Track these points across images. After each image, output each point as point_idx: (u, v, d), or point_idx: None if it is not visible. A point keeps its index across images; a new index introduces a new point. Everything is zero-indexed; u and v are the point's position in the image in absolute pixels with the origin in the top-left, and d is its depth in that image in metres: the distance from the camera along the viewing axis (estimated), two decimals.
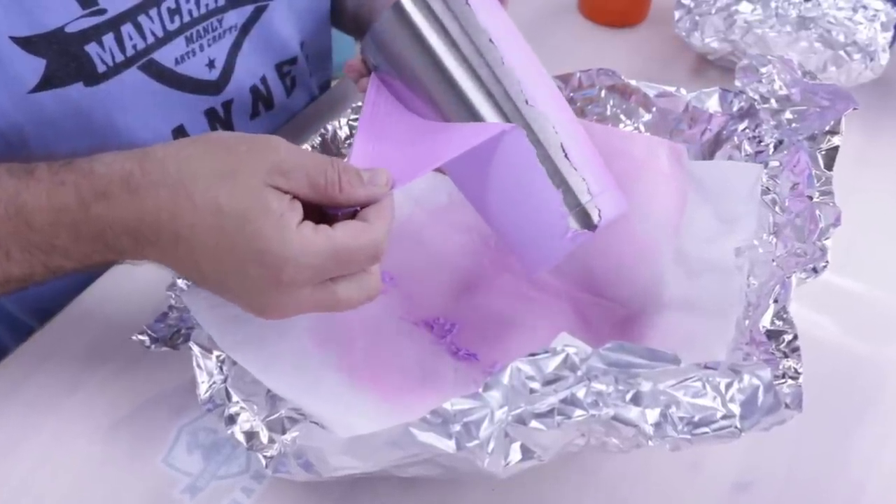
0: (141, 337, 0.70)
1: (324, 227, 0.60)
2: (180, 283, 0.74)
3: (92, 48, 0.76)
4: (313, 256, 0.59)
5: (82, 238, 0.63)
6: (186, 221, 0.60)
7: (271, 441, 0.65)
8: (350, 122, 0.90)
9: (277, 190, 0.59)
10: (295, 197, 0.60)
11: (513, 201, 0.69)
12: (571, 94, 0.90)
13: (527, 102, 0.68)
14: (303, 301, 0.61)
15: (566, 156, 0.68)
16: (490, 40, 0.69)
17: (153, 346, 0.70)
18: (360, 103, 0.85)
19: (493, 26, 0.69)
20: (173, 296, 0.73)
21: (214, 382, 0.67)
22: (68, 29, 0.75)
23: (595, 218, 0.69)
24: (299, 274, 0.59)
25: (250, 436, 0.65)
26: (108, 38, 0.77)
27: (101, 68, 0.78)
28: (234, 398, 0.66)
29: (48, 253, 0.65)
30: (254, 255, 0.59)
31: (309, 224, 0.60)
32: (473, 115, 0.68)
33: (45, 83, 0.76)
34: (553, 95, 0.73)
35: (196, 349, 0.68)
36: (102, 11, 0.76)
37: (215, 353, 0.68)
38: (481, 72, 0.68)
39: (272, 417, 0.66)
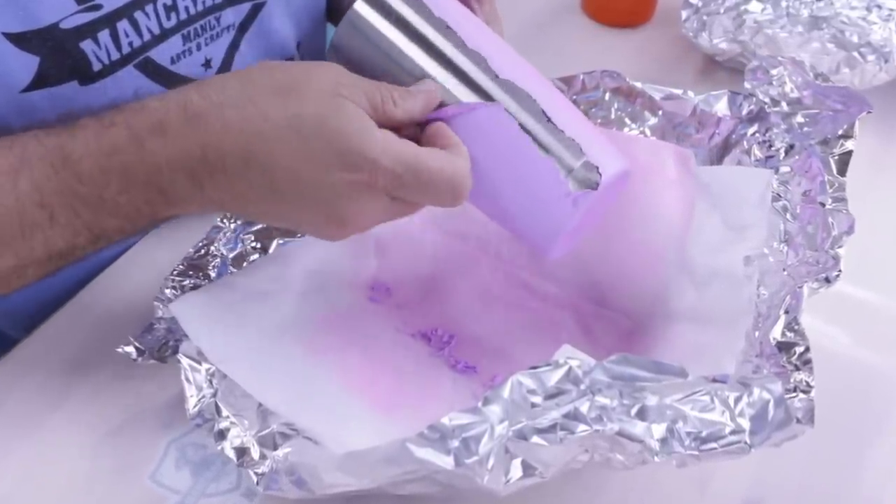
0: (127, 349, 0.70)
1: (409, 141, 0.63)
2: (168, 292, 0.75)
3: (87, 45, 0.76)
4: (394, 161, 0.61)
5: (134, 183, 0.64)
6: (260, 135, 0.61)
7: (263, 457, 0.65)
8: None
9: (345, 98, 0.61)
10: None
11: (508, 180, 0.70)
12: (574, 97, 0.90)
13: (497, 76, 0.69)
14: (380, 210, 0.63)
15: (550, 120, 0.69)
16: (447, 27, 0.70)
17: (140, 359, 0.70)
18: None
19: (448, 15, 0.71)
20: (161, 306, 0.74)
21: (204, 396, 0.67)
22: (63, 25, 0.74)
23: (595, 176, 0.68)
24: (379, 176, 0.61)
25: (241, 451, 0.65)
26: (104, 35, 0.77)
27: (96, 66, 0.78)
28: (224, 413, 0.66)
29: (95, 210, 0.65)
30: (336, 156, 0.60)
31: (389, 131, 0.62)
32: (448, 100, 0.69)
33: (39, 82, 0.75)
34: (526, 69, 0.73)
35: (185, 362, 0.68)
36: (98, 7, 0.76)
37: (204, 365, 0.68)
38: (446, 56, 0.69)
39: (263, 433, 0.66)
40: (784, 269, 0.72)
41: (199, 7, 0.83)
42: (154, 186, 0.63)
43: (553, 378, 0.55)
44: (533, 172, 0.69)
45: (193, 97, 0.63)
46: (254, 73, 0.65)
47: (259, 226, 0.81)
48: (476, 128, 0.69)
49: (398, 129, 0.65)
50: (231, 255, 0.80)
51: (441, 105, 0.69)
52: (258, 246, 0.81)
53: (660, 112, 0.88)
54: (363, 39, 0.70)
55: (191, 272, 0.78)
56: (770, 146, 0.80)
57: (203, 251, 0.79)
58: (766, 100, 0.82)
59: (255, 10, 0.90)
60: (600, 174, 0.69)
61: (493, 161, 0.69)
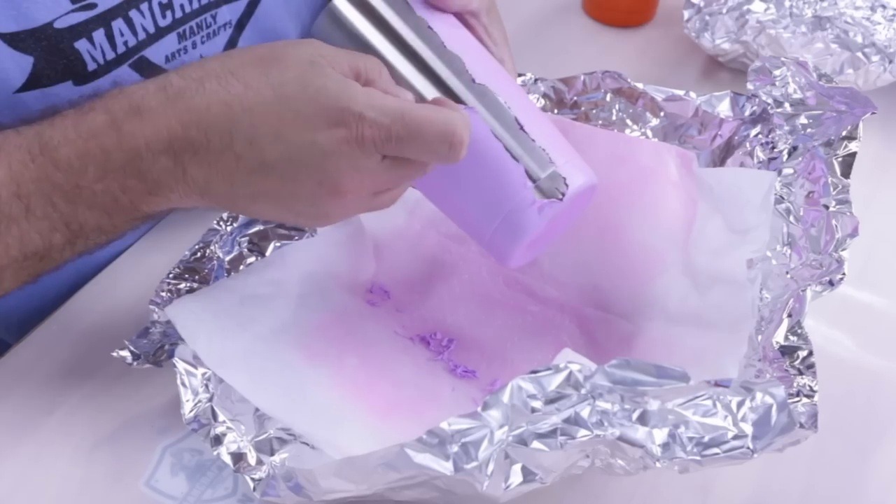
0: (122, 353, 0.70)
1: (392, 97, 0.63)
2: (164, 296, 0.75)
3: (82, 45, 0.76)
4: (380, 112, 0.61)
5: (111, 169, 0.63)
6: (243, 105, 0.61)
7: (259, 462, 0.65)
8: None
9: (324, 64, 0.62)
10: None
11: (474, 184, 0.70)
12: (575, 98, 0.90)
13: (473, 81, 0.70)
14: (374, 171, 0.63)
15: (522, 128, 0.69)
16: (429, 27, 0.71)
17: (135, 363, 0.70)
18: None
19: (429, 16, 0.72)
20: (156, 310, 0.74)
21: (200, 401, 0.67)
22: (57, 24, 0.74)
23: (562, 186, 0.69)
24: (366, 129, 0.61)
25: (237, 457, 0.65)
26: (99, 35, 0.77)
27: (91, 66, 0.78)
28: (221, 417, 0.67)
29: (72, 201, 0.64)
30: (322, 112, 0.60)
31: (374, 89, 0.63)
32: (421, 99, 0.69)
33: (33, 82, 0.75)
34: (502, 76, 0.74)
35: (180, 366, 0.68)
36: (93, 6, 0.76)
37: (200, 370, 0.68)
38: (423, 56, 0.70)
39: (260, 438, 0.66)
40: (787, 273, 0.72)
41: (195, 5, 0.83)
42: (132, 171, 0.63)
43: (553, 382, 0.55)
44: (501, 178, 0.69)
45: (173, 79, 0.63)
46: (234, 51, 0.65)
47: (255, 228, 0.81)
48: None
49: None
50: (227, 258, 0.80)
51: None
52: (255, 249, 0.81)
53: (662, 113, 0.88)
54: (340, 35, 0.71)
55: (187, 275, 0.78)
56: (773, 148, 0.80)
57: (199, 254, 0.79)
58: (769, 101, 0.82)
59: (252, 6, 0.90)
60: (567, 185, 0.69)
61: (462, 164, 0.69)
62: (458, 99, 0.69)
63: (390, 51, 0.70)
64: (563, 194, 0.69)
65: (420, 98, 0.69)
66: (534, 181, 0.69)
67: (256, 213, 0.72)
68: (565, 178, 0.69)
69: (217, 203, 0.67)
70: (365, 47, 0.70)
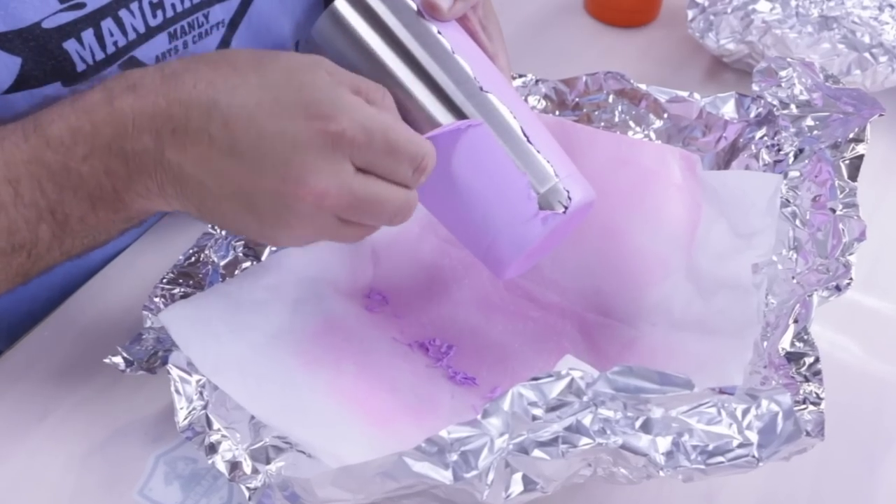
0: (115, 360, 0.70)
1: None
2: (157, 301, 0.75)
3: (71, 45, 0.76)
4: (367, 118, 0.62)
5: (98, 146, 0.64)
6: (227, 85, 0.62)
7: (255, 471, 0.65)
8: None
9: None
10: None
11: (476, 193, 0.70)
12: (577, 99, 0.90)
13: (481, 89, 0.70)
14: (342, 178, 0.63)
15: (528, 140, 0.70)
16: (438, 32, 0.71)
17: (128, 370, 0.70)
18: None
19: (438, 22, 0.72)
20: (150, 316, 0.74)
21: (194, 408, 0.67)
22: (46, 24, 0.75)
23: (564, 199, 0.70)
24: (349, 129, 0.61)
25: (233, 466, 0.65)
26: (88, 35, 0.77)
27: (80, 67, 0.78)
28: (216, 425, 0.67)
29: (59, 185, 0.65)
30: (302, 104, 0.61)
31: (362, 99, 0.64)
32: (433, 99, 0.70)
33: (20, 83, 0.76)
34: (507, 84, 0.74)
35: (174, 373, 0.68)
36: (81, 5, 0.76)
37: (195, 376, 0.68)
38: (431, 63, 0.70)
39: (256, 446, 0.66)
40: (793, 277, 0.72)
41: (187, 4, 0.83)
42: (117, 150, 0.64)
43: (555, 390, 0.55)
44: (504, 189, 0.70)
45: (174, 63, 0.65)
46: (236, 48, 0.67)
47: None
48: (453, 139, 0.69)
49: None
50: (222, 263, 0.80)
51: (414, 110, 0.70)
52: (250, 253, 0.81)
53: (665, 115, 0.88)
54: (340, 38, 0.71)
55: (181, 280, 0.78)
56: (779, 150, 0.80)
57: (194, 258, 0.79)
58: (775, 102, 0.82)
59: (245, 5, 0.90)
60: (570, 199, 0.70)
61: (464, 172, 0.69)
62: (457, 108, 0.69)
63: (391, 56, 0.70)
64: (567, 207, 0.69)
65: (420, 107, 0.69)
66: (538, 191, 0.69)
67: (221, 215, 0.70)
68: (569, 192, 0.70)
69: (188, 200, 0.67)
70: (365, 51, 0.70)
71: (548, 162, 0.70)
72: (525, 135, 0.70)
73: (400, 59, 0.70)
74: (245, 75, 0.63)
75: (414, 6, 0.71)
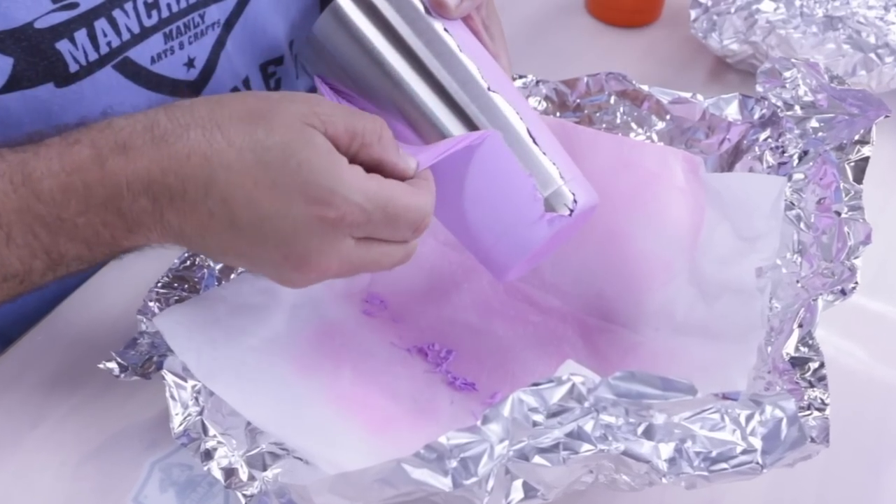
0: (109, 365, 0.70)
1: (376, 175, 0.63)
2: (152, 306, 0.75)
3: (63, 45, 0.76)
4: (365, 198, 0.61)
5: (94, 204, 0.63)
6: (222, 162, 0.61)
7: (251, 478, 0.65)
8: None
9: (316, 130, 0.61)
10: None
11: (481, 195, 0.70)
12: (578, 101, 0.90)
13: (489, 89, 0.70)
14: (343, 254, 0.63)
15: (535, 141, 0.70)
16: (445, 29, 0.71)
17: (123, 375, 0.70)
18: None
19: (444, 20, 0.72)
20: (144, 320, 0.74)
21: (189, 414, 0.67)
22: (38, 24, 0.75)
23: (570, 202, 0.70)
24: (348, 213, 0.61)
25: (228, 472, 0.65)
26: (81, 35, 0.77)
27: (73, 67, 0.78)
28: (211, 431, 0.67)
29: (54, 232, 0.64)
30: (300, 188, 0.60)
31: (359, 167, 0.62)
32: (438, 101, 0.70)
33: (12, 84, 0.76)
34: (512, 85, 0.75)
35: (169, 378, 0.68)
36: (74, 5, 0.76)
37: (190, 382, 0.68)
38: (437, 62, 0.70)
39: (252, 452, 0.66)
40: (798, 281, 0.72)
41: (183, 4, 0.84)
42: (113, 208, 0.63)
43: (556, 395, 0.55)
44: (510, 190, 0.70)
45: (161, 119, 0.63)
46: (226, 97, 0.65)
47: None
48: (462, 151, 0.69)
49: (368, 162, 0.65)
50: (218, 267, 0.80)
51: (419, 113, 0.70)
52: None
53: (668, 116, 0.88)
54: (341, 37, 0.71)
55: (176, 284, 0.78)
56: (783, 152, 0.80)
57: (189, 262, 0.79)
58: (779, 103, 0.82)
59: (241, 5, 0.91)
60: (576, 201, 0.70)
61: (470, 175, 0.69)
62: (463, 110, 0.70)
63: (395, 55, 0.70)
64: (572, 210, 0.70)
65: (424, 110, 0.69)
66: (545, 193, 0.69)
67: (228, 263, 0.76)
68: (574, 194, 0.70)
69: (191, 249, 0.69)
70: (368, 50, 0.70)
71: (553, 164, 0.70)
72: (531, 136, 0.70)
73: (404, 58, 0.70)
74: (240, 151, 0.61)
75: (419, 4, 0.71)
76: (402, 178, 0.65)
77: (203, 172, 0.61)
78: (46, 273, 0.67)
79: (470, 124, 0.69)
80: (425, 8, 0.71)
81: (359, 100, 0.72)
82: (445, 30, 0.71)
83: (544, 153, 0.70)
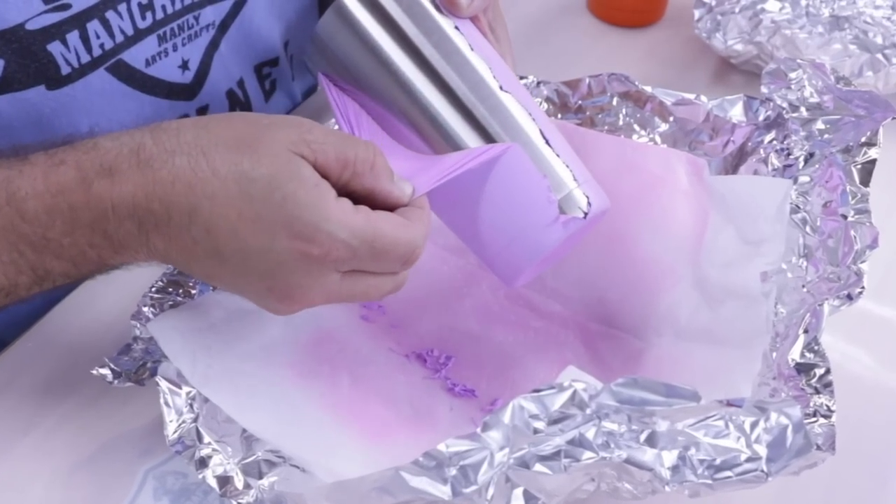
0: (103, 371, 0.70)
1: (364, 208, 0.62)
2: (146, 311, 0.75)
3: (55, 47, 0.77)
4: (350, 235, 0.60)
5: (79, 226, 0.63)
6: (206, 191, 0.60)
7: (247, 486, 0.65)
8: None
9: (305, 160, 0.61)
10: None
11: (493, 197, 0.70)
12: (580, 102, 0.90)
13: (501, 88, 0.70)
14: (329, 288, 0.62)
15: (548, 143, 0.70)
16: (456, 27, 0.71)
17: (116, 382, 0.70)
18: None
19: (454, 19, 0.71)
20: (138, 325, 0.74)
21: (184, 421, 0.67)
22: (29, 26, 0.75)
23: (584, 204, 0.70)
24: (333, 250, 0.60)
25: (224, 480, 0.65)
26: (73, 37, 0.77)
27: (65, 70, 0.78)
28: (206, 439, 0.67)
29: (39, 251, 0.65)
30: (284, 223, 0.60)
31: (347, 200, 0.61)
32: (447, 105, 0.70)
33: (3, 86, 0.76)
34: (522, 86, 0.74)
35: (163, 384, 0.68)
36: (67, 7, 0.76)
37: (185, 388, 0.68)
38: (446, 63, 0.70)
39: (248, 460, 0.66)
40: (803, 286, 0.72)
41: (178, 5, 0.84)
42: (99, 230, 0.63)
43: (557, 402, 0.55)
44: (523, 192, 0.70)
45: (147, 142, 0.62)
46: (213, 121, 0.64)
47: None
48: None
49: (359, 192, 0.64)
50: None
51: (427, 119, 0.69)
52: None
53: (671, 118, 0.88)
54: (345, 36, 0.70)
55: (170, 289, 0.78)
56: (788, 154, 0.80)
57: None
58: (785, 105, 0.82)
59: (237, 7, 0.91)
60: (590, 204, 0.70)
61: (482, 175, 0.69)
62: (472, 114, 0.69)
63: (402, 56, 0.70)
64: (587, 213, 0.70)
65: (431, 117, 0.69)
66: (559, 195, 0.69)
67: (212, 284, 0.76)
68: (588, 197, 0.70)
69: (179, 269, 0.69)
70: (373, 50, 0.70)
71: (567, 166, 0.70)
72: (545, 138, 0.70)
73: (411, 58, 0.70)
74: (225, 181, 0.60)
75: (427, 2, 0.71)
76: (395, 206, 0.64)
77: (187, 201, 0.61)
78: (32, 287, 0.68)
79: (480, 128, 0.69)
80: (435, 6, 0.71)
81: (364, 97, 0.72)
82: (456, 28, 0.71)
83: (557, 155, 0.70)
